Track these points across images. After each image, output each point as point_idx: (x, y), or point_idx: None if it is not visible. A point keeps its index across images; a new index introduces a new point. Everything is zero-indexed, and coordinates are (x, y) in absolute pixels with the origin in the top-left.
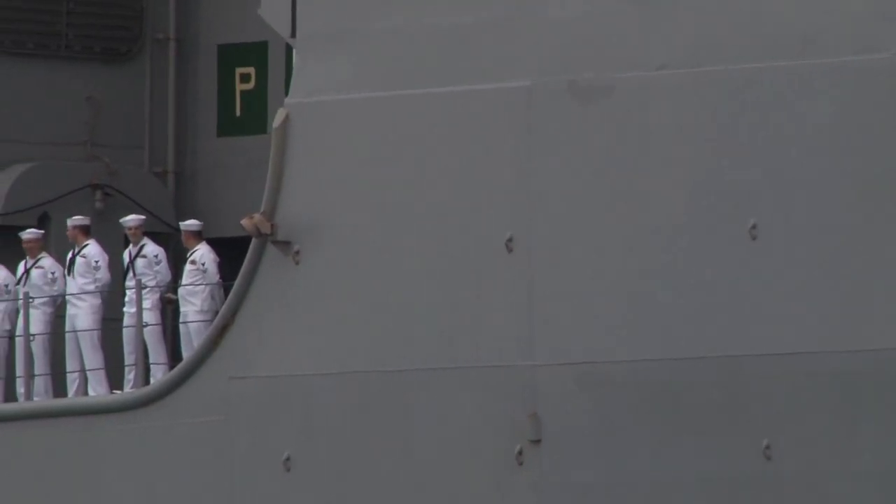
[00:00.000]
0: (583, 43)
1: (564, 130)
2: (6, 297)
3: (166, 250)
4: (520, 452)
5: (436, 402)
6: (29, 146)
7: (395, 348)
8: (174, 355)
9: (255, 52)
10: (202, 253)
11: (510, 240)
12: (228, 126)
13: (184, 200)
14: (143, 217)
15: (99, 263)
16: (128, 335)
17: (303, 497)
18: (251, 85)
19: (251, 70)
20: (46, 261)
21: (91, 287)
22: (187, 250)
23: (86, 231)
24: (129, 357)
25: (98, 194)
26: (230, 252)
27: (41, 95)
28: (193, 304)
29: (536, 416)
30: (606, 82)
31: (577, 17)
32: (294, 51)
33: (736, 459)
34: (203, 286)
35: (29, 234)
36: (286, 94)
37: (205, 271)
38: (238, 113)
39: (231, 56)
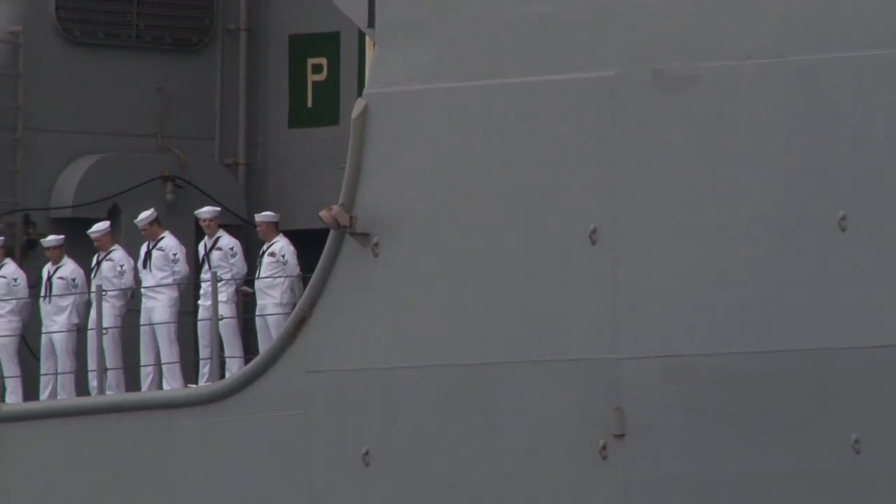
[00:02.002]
0: (668, 32)
1: (649, 121)
2: (74, 290)
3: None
4: (603, 447)
5: (518, 396)
6: (99, 137)
7: (477, 341)
8: (248, 349)
9: (328, 43)
10: (282, 245)
11: (594, 231)
12: (300, 117)
13: (254, 192)
14: (217, 209)
15: (177, 256)
16: (203, 328)
17: (382, 492)
18: (323, 76)
19: (323, 61)
20: (117, 253)
21: (170, 280)
22: (261, 242)
23: (160, 223)
24: (204, 351)
25: (169, 186)
26: (300, 244)
27: (111, 86)
28: (272, 297)
29: (620, 409)
30: (692, 72)
31: (663, 5)
32: (367, 39)
33: (824, 454)
34: (282, 279)
35: (95, 231)
36: (359, 84)
37: (285, 263)
38: (310, 104)
39: (303, 46)
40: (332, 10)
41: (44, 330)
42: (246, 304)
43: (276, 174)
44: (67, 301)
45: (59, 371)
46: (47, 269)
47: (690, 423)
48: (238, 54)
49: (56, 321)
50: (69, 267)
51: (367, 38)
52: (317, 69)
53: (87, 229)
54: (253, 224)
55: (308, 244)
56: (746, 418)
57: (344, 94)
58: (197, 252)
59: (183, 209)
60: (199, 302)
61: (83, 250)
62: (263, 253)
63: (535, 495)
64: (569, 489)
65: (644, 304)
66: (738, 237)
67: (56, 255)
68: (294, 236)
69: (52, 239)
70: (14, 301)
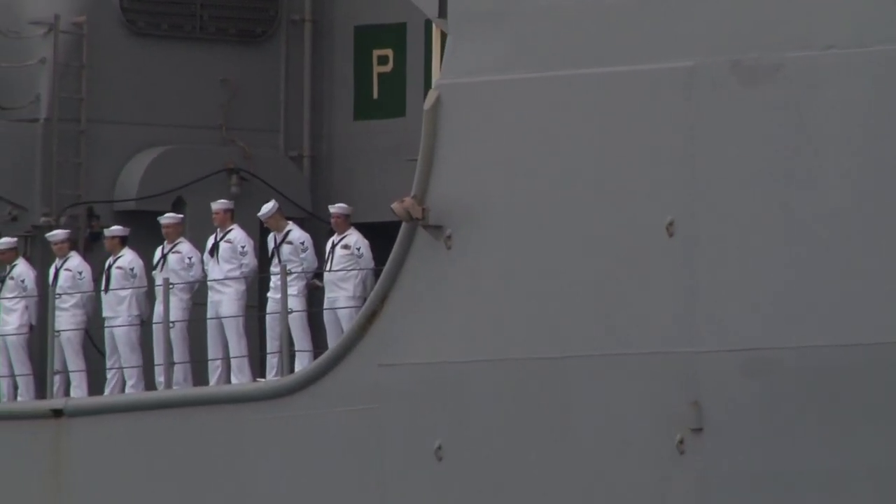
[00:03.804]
0: (747, 21)
1: (728, 112)
2: (132, 280)
3: None
4: (681, 441)
5: (594, 390)
6: (163, 129)
7: (552, 335)
8: (315, 343)
9: (393, 34)
10: (356, 238)
11: (671, 223)
12: (365, 109)
13: (319, 185)
14: (273, 204)
15: (246, 249)
16: (272, 322)
17: (455, 487)
18: (389, 67)
19: (389, 52)
20: (184, 245)
21: (237, 273)
22: (326, 234)
23: (233, 216)
24: (272, 344)
25: (234, 178)
26: (365, 237)
27: (175, 78)
28: (345, 290)
29: (698, 404)
30: (772, 62)
31: None
32: (433, 30)
33: None
34: (356, 272)
35: (168, 218)
36: (425, 76)
37: (360, 256)
38: (375, 96)
39: (368, 38)
40: (398, 0)
41: (106, 323)
42: (311, 297)
43: (341, 166)
44: (126, 292)
45: (121, 365)
46: (109, 261)
47: (769, 418)
48: (303, 46)
49: (116, 312)
50: (127, 257)
51: (434, 29)
52: (382, 60)
53: (152, 223)
54: (318, 217)
55: (371, 237)
56: (826, 413)
57: (410, 85)
58: (264, 245)
59: (247, 202)
60: (269, 295)
61: (147, 243)
62: (335, 245)
63: (611, 490)
64: (645, 484)
65: (722, 296)
66: (818, 229)
67: (114, 245)
68: (358, 229)
69: (112, 229)
70: (78, 295)
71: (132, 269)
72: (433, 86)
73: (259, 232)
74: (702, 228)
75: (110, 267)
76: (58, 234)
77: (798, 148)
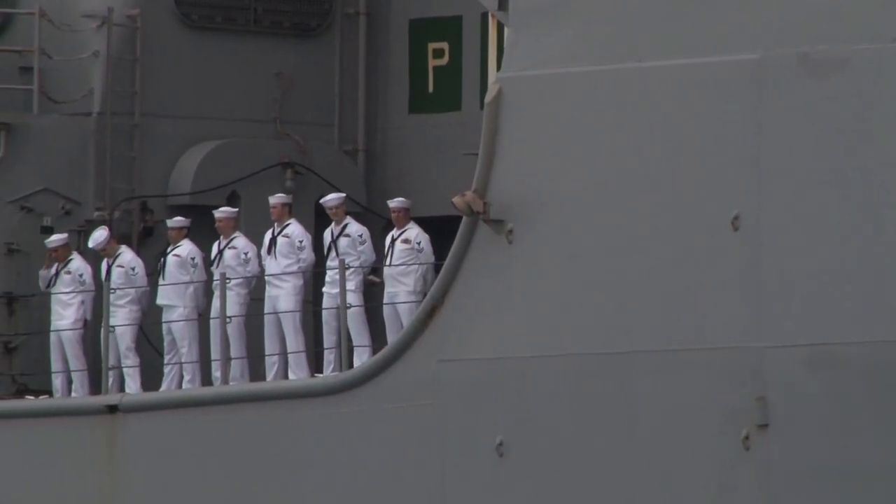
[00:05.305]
0: (815, 13)
1: (795, 105)
2: (191, 270)
3: None
4: (746, 437)
5: (658, 386)
6: (217, 123)
7: (615, 330)
8: (373, 337)
9: (449, 27)
10: (416, 232)
11: (736, 218)
12: (420, 103)
13: (374, 179)
14: (343, 195)
15: (303, 243)
16: (329, 317)
17: (516, 484)
18: (444, 60)
19: (444, 45)
20: (240, 241)
21: (294, 268)
22: (383, 229)
23: (290, 209)
24: (329, 339)
25: (288, 172)
26: None
27: (229, 71)
28: (405, 285)
29: (764, 399)
30: (840, 55)
31: None
32: (489, 23)
33: None
34: (416, 266)
35: (222, 212)
36: (481, 69)
37: (421, 251)
38: (430, 89)
39: (424, 31)
40: None
41: (163, 312)
42: (368, 292)
43: (396, 161)
44: (186, 279)
45: (180, 359)
46: (168, 249)
47: (836, 414)
48: (357, 39)
49: (172, 301)
50: (186, 247)
51: (490, 22)
52: (438, 54)
53: (206, 217)
54: (373, 211)
55: (425, 231)
56: (892, 408)
57: (466, 79)
58: (320, 239)
59: (302, 196)
60: (325, 290)
61: (201, 237)
62: (395, 240)
63: (675, 487)
64: (710, 480)
65: (788, 291)
66: (885, 222)
67: (176, 236)
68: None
69: (176, 220)
70: (133, 290)
71: (193, 259)
72: (495, 79)
73: (314, 225)
74: (768, 223)
75: (167, 255)
76: (97, 236)
77: (864, 141)
